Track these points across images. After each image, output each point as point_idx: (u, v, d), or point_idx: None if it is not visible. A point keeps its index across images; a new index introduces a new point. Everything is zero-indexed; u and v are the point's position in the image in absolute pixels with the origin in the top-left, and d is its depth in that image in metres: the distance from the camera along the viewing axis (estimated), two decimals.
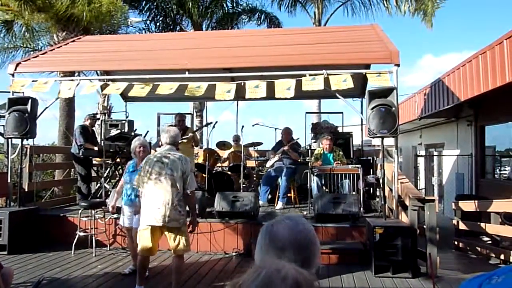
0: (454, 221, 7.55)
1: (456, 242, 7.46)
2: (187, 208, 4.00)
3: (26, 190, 6.66)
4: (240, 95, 6.36)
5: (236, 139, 8.63)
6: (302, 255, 1.14)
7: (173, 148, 4.00)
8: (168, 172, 3.79)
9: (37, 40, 12.69)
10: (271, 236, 1.17)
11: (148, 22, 14.99)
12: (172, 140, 3.99)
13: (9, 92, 6.20)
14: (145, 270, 4.06)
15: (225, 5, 15.05)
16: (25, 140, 6.15)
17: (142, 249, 3.85)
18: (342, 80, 5.26)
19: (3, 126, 6.14)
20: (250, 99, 5.94)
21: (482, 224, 6.61)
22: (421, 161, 14.86)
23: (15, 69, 6.25)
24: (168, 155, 3.88)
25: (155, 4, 14.77)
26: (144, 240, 3.81)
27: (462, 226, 7.25)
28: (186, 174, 3.87)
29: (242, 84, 5.65)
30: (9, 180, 6.12)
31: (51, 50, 7.53)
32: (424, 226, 4.79)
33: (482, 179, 9.63)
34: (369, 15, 15.07)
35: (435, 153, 13.62)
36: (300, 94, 6.11)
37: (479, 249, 6.84)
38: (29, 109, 5.89)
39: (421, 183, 14.53)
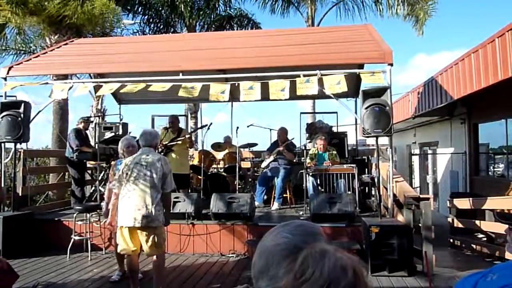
0: (449, 219, 7.59)
1: (451, 240, 7.49)
2: None
3: (20, 194, 6.61)
4: (234, 96, 6.36)
5: (227, 139, 8.62)
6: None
7: (151, 149, 4.01)
8: (147, 174, 3.82)
9: (30, 43, 12.60)
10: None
11: (141, 24, 14.95)
12: (149, 142, 4.00)
13: (2, 96, 6.15)
14: (136, 272, 4.00)
15: (218, 8, 15.06)
16: (18, 144, 6.10)
17: (125, 250, 3.85)
18: (336, 83, 5.27)
19: None
20: (244, 101, 5.95)
21: (477, 222, 6.65)
22: (415, 160, 14.94)
23: (8, 73, 6.20)
24: (147, 157, 3.89)
25: (148, 6, 14.73)
26: (123, 240, 3.81)
27: (457, 223, 7.28)
28: (166, 174, 3.91)
29: (236, 85, 5.64)
30: (2, 185, 6.06)
31: (44, 53, 7.47)
32: (420, 225, 4.81)
33: (476, 177, 9.70)
34: (361, 16, 15.12)
35: (429, 151, 13.69)
36: (295, 95, 6.12)
37: (474, 246, 6.88)
38: (22, 113, 5.84)
39: (416, 182, 14.60)
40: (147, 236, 3.80)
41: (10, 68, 6.32)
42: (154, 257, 3.93)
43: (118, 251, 3.97)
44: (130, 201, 3.77)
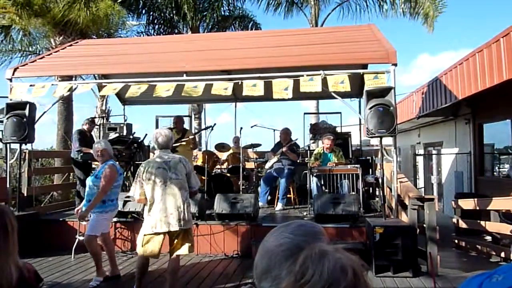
0: (454, 220, 7.55)
1: (456, 241, 7.45)
2: None
3: (25, 194, 6.65)
4: (238, 95, 6.35)
5: (236, 140, 8.63)
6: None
7: (168, 150, 3.97)
8: (173, 177, 3.80)
9: (35, 44, 12.68)
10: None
11: (145, 26, 15.02)
12: (167, 144, 3.95)
13: (7, 97, 6.19)
14: (145, 274, 4.02)
15: (221, 10, 15.10)
16: (23, 144, 6.14)
17: (149, 254, 3.82)
18: (340, 82, 5.27)
19: (2, 131, 6.14)
20: (247, 97, 5.92)
21: (482, 222, 6.61)
22: (420, 160, 14.88)
23: (13, 74, 6.24)
24: (168, 159, 3.87)
25: (152, 8, 14.79)
26: (153, 245, 3.78)
27: (462, 224, 7.24)
28: (189, 173, 3.92)
29: (240, 83, 5.65)
30: (8, 185, 6.10)
31: (49, 55, 7.51)
32: (424, 225, 4.79)
33: (481, 177, 9.64)
34: (365, 16, 15.12)
35: (434, 151, 13.63)
36: (298, 95, 6.11)
37: (479, 247, 6.84)
38: (27, 114, 5.87)
39: (420, 182, 14.54)
40: (182, 239, 3.82)
41: (15, 69, 6.36)
42: (175, 255, 3.88)
43: (142, 253, 3.83)
44: (162, 207, 3.74)
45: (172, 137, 4.09)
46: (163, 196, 3.76)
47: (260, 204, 6.94)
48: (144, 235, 3.82)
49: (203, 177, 7.66)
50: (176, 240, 3.84)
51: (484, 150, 9.77)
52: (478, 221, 6.75)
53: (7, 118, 5.86)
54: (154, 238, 3.78)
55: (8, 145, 6.16)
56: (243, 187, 7.52)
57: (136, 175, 3.92)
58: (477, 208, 6.78)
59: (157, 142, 3.93)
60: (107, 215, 4.63)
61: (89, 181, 4.64)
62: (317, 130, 8.75)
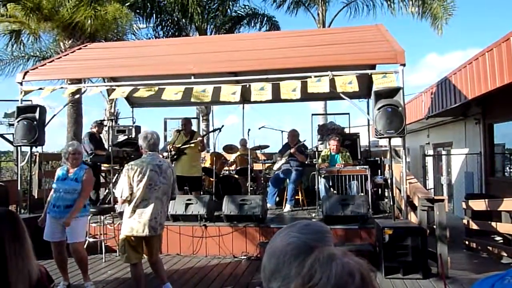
0: (464, 221, 7.48)
1: (467, 242, 7.38)
2: None
3: (36, 197, 6.72)
4: (246, 98, 6.36)
5: (244, 143, 8.64)
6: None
7: (156, 154, 3.92)
8: (162, 181, 3.79)
9: (45, 49, 12.84)
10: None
11: (154, 28, 15.12)
12: (156, 146, 3.90)
13: (18, 100, 6.28)
14: (142, 278, 3.88)
15: (228, 10, 15.15)
16: (34, 147, 6.21)
17: (134, 258, 3.76)
18: (348, 82, 5.26)
19: (13, 134, 6.22)
20: (255, 101, 5.96)
21: (493, 223, 6.54)
22: (429, 161, 14.75)
23: (23, 78, 6.32)
24: (160, 163, 3.84)
25: (160, 10, 14.88)
26: (134, 248, 3.75)
27: (472, 225, 7.17)
28: (175, 180, 3.98)
29: (248, 86, 5.66)
30: (19, 188, 6.18)
31: (58, 58, 7.60)
32: (434, 226, 4.75)
33: (492, 178, 9.54)
34: (372, 16, 15.07)
35: (444, 152, 13.51)
36: (306, 96, 6.10)
37: (490, 248, 6.76)
38: (37, 117, 5.95)
39: (430, 183, 14.42)
40: (155, 243, 3.84)
41: (25, 73, 6.44)
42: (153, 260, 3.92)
43: (127, 262, 3.80)
44: (146, 210, 3.71)
45: (158, 140, 3.98)
46: (151, 199, 3.72)
47: (268, 205, 6.93)
48: (126, 236, 3.73)
49: (211, 179, 7.68)
50: (154, 246, 3.84)
51: (494, 150, 9.66)
52: (489, 222, 6.68)
53: (17, 121, 5.94)
54: (135, 241, 3.74)
55: (19, 148, 6.24)
56: (251, 188, 7.53)
57: (123, 175, 3.75)
58: (488, 209, 6.71)
59: (148, 143, 3.81)
60: (86, 219, 4.62)
61: (64, 185, 4.30)
62: (325, 131, 8.72)
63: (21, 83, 6.29)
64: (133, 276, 3.87)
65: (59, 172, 4.45)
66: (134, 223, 3.72)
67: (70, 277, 4.78)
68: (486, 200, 6.98)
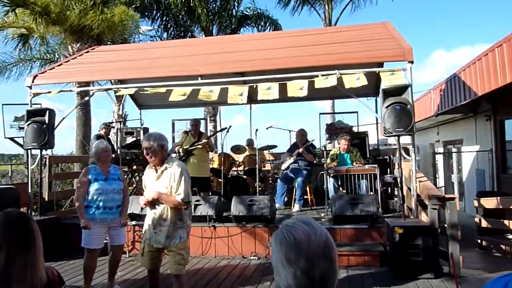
0: (476, 219, 7.38)
1: (479, 241, 7.28)
2: None
3: (46, 199, 6.79)
4: (253, 98, 6.35)
5: (249, 143, 8.63)
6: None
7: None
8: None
9: (53, 52, 12.98)
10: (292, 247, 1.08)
11: (160, 30, 15.20)
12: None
13: (28, 104, 6.34)
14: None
15: (233, 11, 15.19)
16: (44, 150, 6.27)
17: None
18: (356, 78, 5.22)
19: (23, 137, 6.29)
20: (262, 100, 5.94)
21: (506, 222, 6.45)
22: (439, 159, 14.61)
23: (32, 82, 6.39)
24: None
25: (166, 12, 14.95)
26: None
27: (484, 224, 7.08)
28: None
29: (255, 86, 5.65)
30: (29, 190, 6.24)
31: (66, 62, 7.67)
32: (445, 225, 4.69)
33: (504, 175, 9.40)
34: (376, 11, 15.13)
35: (454, 149, 13.37)
36: (313, 95, 6.08)
37: (503, 247, 6.67)
38: (47, 120, 6.00)
39: (441, 181, 14.28)
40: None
41: (34, 77, 6.51)
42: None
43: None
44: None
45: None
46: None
47: (277, 205, 6.92)
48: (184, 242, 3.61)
49: (219, 180, 7.69)
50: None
51: (506, 147, 9.53)
52: (502, 220, 6.59)
53: (27, 125, 6.00)
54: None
55: (29, 151, 6.31)
56: (260, 189, 7.52)
57: (181, 175, 3.46)
58: (500, 206, 6.63)
59: (167, 146, 3.62)
60: None
61: (110, 185, 4.19)
62: (333, 130, 8.68)
63: (30, 87, 6.36)
64: (150, 281, 3.81)
65: (93, 173, 4.19)
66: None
67: (81, 278, 4.82)
68: (498, 197, 6.89)
